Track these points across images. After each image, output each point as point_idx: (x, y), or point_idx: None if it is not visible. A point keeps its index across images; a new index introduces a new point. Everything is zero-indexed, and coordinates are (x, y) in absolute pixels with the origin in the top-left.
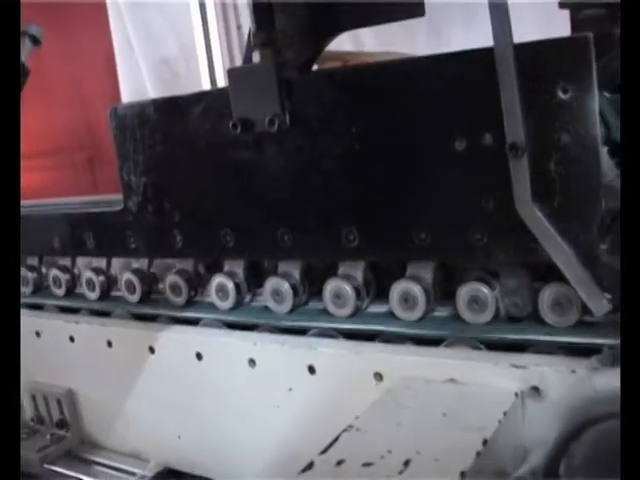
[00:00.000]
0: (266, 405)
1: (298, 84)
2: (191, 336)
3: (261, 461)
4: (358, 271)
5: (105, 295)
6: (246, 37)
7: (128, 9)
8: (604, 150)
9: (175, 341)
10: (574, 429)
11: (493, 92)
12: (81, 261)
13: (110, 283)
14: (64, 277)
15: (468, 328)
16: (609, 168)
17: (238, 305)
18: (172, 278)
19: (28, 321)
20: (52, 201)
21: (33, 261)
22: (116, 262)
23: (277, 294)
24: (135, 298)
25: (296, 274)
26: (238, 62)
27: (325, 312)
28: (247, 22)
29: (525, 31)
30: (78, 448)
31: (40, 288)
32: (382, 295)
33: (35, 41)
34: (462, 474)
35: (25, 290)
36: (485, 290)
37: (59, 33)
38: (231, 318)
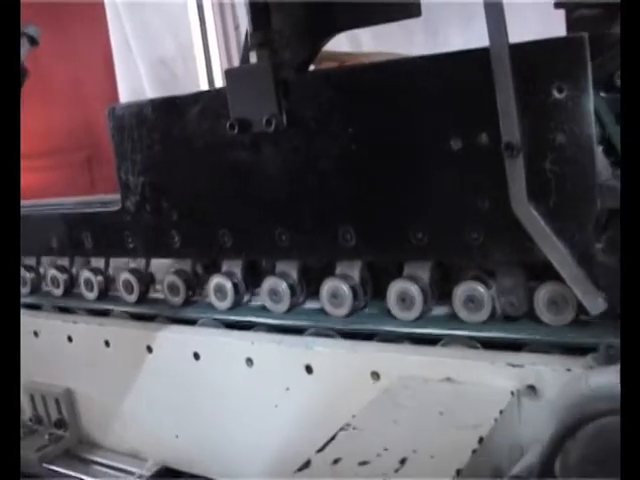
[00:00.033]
0: (263, 404)
1: (295, 84)
2: (188, 336)
3: (259, 460)
4: (355, 271)
5: (103, 295)
6: (244, 37)
7: (126, 9)
8: (599, 149)
9: (173, 341)
10: (570, 427)
11: (489, 92)
12: (79, 261)
13: (108, 283)
14: (62, 277)
15: (464, 327)
16: (604, 167)
17: (236, 305)
18: (170, 278)
19: (26, 321)
20: (50, 201)
21: (31, 261)
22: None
23: (275, 294)
24: (133, 298)
25: (293, 274)
26: (236, 62)
27: (322, 312)
28: (245, 22)
29: (528, 31)
30: (76, 448)
31: (38, 288)
32: (379, 295)
33: (32, 41)
34: (458, 472)
35: (23, 290)
36: (481, 289)
37: (57, 33)
38: (228, 317)
